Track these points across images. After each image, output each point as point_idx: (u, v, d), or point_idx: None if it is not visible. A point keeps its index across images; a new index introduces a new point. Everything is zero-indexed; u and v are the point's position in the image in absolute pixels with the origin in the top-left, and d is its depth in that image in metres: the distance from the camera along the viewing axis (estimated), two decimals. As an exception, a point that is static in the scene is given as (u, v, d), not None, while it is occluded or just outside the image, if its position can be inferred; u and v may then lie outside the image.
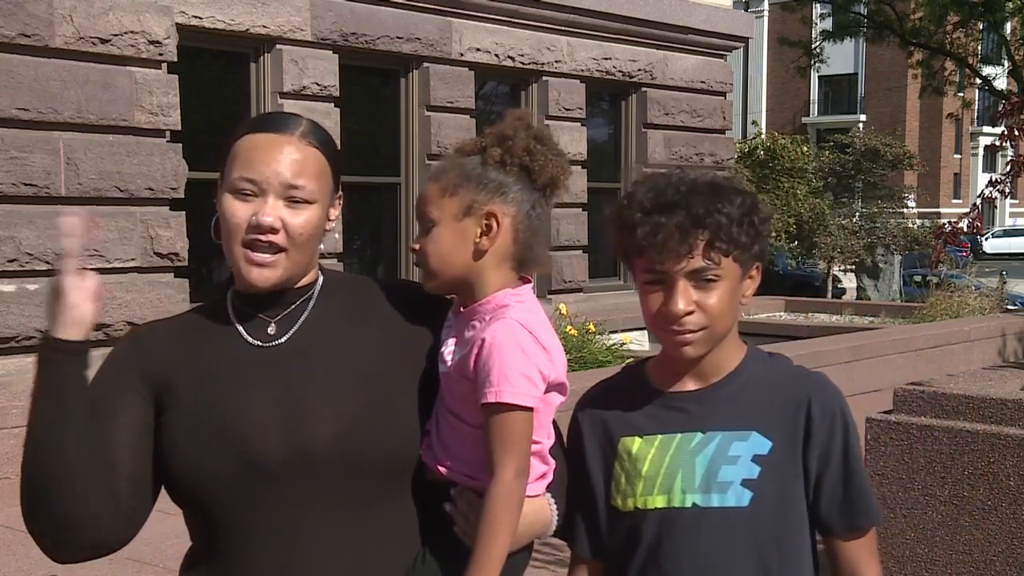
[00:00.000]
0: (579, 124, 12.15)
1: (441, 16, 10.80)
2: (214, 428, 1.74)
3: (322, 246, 1.86)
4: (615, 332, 10.76)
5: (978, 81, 26.58)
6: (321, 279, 1.89)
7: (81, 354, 1.69)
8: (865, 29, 26.61)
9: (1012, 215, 56.26)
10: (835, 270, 20.83)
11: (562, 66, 12.01)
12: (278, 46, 9.55)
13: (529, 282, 1.85)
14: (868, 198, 22.92)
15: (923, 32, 24.50)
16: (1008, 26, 25.39)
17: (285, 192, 1.76)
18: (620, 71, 12.66)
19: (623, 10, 12.36)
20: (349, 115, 9.95)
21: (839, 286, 21.22)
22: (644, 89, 12.97)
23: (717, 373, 1.86)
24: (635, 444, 1.86)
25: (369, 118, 10.76)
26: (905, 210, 23.94)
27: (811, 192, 21.28)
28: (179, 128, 8.63)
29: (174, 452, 1.76)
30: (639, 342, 11.66)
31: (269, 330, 1.83)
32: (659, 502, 1.83)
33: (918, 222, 26.56)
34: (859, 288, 20.88)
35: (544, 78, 11.90)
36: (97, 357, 1.74)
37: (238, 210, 1.76)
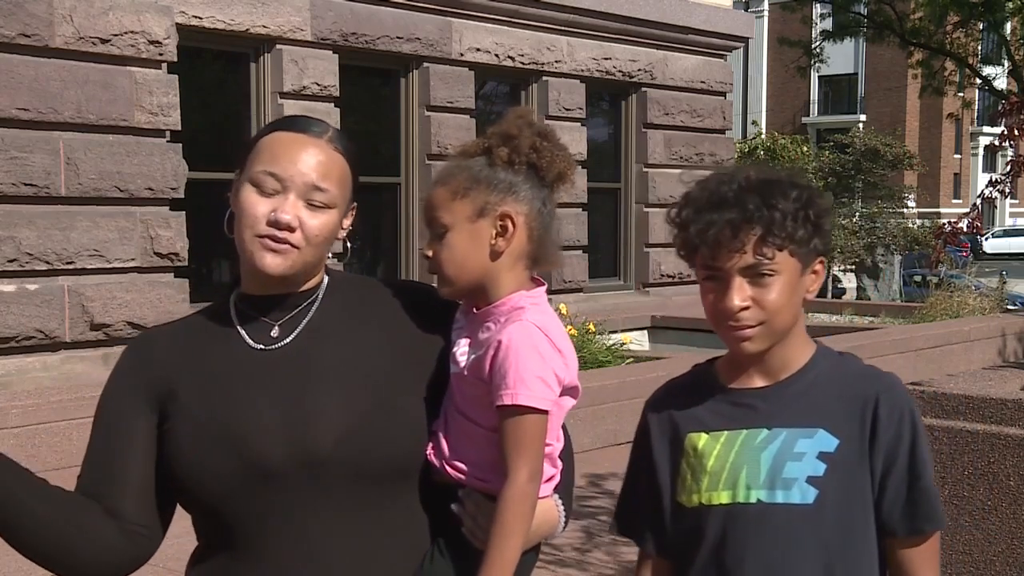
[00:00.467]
0: (579, 124, 12.15)
1: (441, 16, 10.80)
2: (217, 432, 1.74)
3: (330, 253, 1.86)
4: (615, 332, 10.76)
5: (978, 81, 26.58)
6: (326, 281, 1.88)
7: None
8: (865, 29, 26.60)
9: (1012, 215, 56.27)
10: (835, 270, 20.84)
11: (562, 66, 12.01)
12: (278, 46, 9.55)
13: (543, 284, 1.84)
14: (868, 198, 22.94)
15: (923, 32, 24.49)
16: (1008, 26, 25.38)
17: (307, 193, 1.75)
18: (620, 71, 12.66)
19: (623, 10, 12.36)
20: (349, 115, 9.94)
21: (839, 286, 21.24)
22: (644, 89, 12.97)
23: (785, 370, 1.86)
24: (701, 440, 1.86)
25: (369, 118, 10.76)
26: (905, 210, 23.96)
27: (811, 192, 21.24)
28: (179, 128, 8.62)
29: (178, 457, 1.76)
30: (639, 342, 11.67)
31: (272, 333, 1.82)
32: (723, 498, 1.82)
33: (918, 222, 26.59)
34: (859, 288, 20.90)
35: (544, 78, 11.90)
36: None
37: (258, 204, 1.75)
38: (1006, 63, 25.58)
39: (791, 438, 1.81)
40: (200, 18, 8.97)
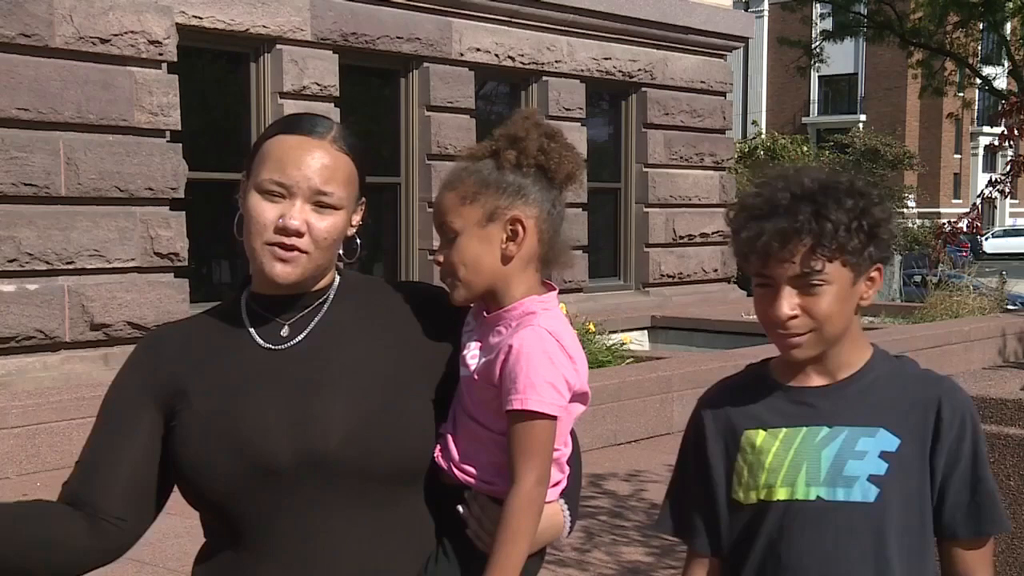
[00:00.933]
0: (579, 124, 12.15)
1: (441, 16, 10.81)
2: (224, 431, 1.75)
3: (340, 251, 1.86)
4: (615, 332, 10.77)
5: (978, 81, 26.59)
6: (338, 281, 1.88)
7: None
8: (865, 29, 26.59)
9: (1012, 215, 56.27)
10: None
11: (562, 66, 12.01)
12: (278, 46, 9.55)
13: (554, 289, 1.83)
14: (868, 198, 22.86)
15: (923, 32, 24.48)
16: (1008, 26, 25.39)
17: (313, 197, 1.75)
18: (620, 71, 12.66)
19: (623, 10, 12.36)
20: (349, 115, 9.94)
21: (839, 286, 21.19)
22: (644, 89, 12.98)
23: (844, 370, 1.85)
24: (759, 437, 1.86)
25: (369, 118, 10.76)
26: (905, 210, 23.95)
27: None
28: (179, 128, 8.63)
29: (185, 454, 1.77)
30: (639, 342, 11.67)
31: (282, 332, 1.82)
32: (782, 494, 1.82)
33: (918, 222, 26.58)
34: (859, 288, 20.85)
35: (544, 78, 11.91)
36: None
37: (266, 210, 1.75)
38: (1006, 63, 25.59)
39: (852, 436, 1.81)
40: (200, 18, 8.97)
